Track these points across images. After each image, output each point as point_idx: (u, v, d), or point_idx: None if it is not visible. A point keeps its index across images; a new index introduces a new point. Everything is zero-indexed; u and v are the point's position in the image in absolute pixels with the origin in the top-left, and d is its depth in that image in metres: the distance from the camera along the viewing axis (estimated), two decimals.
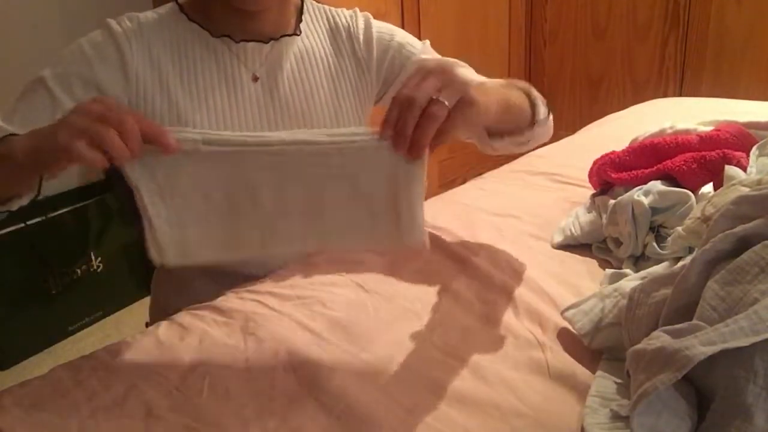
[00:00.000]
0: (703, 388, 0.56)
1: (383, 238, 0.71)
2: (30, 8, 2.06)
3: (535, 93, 0.91)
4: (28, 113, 0.85)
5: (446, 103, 0.65)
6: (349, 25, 1.05)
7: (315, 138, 0.67)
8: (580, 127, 1.73)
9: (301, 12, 1.02)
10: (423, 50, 1.06)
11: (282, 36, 0.97)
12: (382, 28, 1.07)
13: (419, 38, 1.09)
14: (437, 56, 1.08)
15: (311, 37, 1.02)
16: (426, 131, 0.65)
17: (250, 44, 0.95)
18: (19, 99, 0.87)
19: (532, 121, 0.89)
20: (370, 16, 1.08)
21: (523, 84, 0.90)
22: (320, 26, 1.04)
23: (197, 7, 0.96)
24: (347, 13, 1.06)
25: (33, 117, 0.84)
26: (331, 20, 1.05)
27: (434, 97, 0.65)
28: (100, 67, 0.89)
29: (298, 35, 1.00)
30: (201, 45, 0.94)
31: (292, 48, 0.99)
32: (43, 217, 1.92)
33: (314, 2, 1.06)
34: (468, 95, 0.68)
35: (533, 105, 0.89)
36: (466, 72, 0.78)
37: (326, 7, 1.06)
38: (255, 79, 0.97)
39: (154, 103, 0.92)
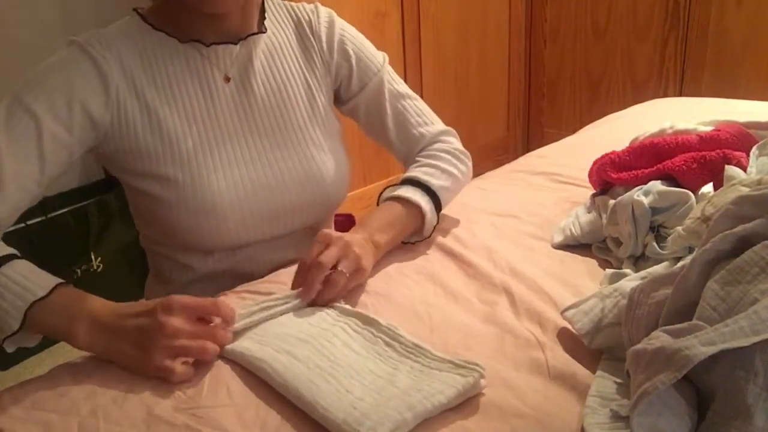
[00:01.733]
0: (703, 388, 0.56)
1: None
2: (30, 8, 2.06)
3: (422, 203, 0.97)
4: (11, 137, 0.81)
5: (345, 272, 0.82)
6: (310, 19, 1.05)
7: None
8: (580, 127, 1.72)
9: (263, 10, 1.02)
10: (383, 71, 1.08)
11: (249, 35, 0.97)
12: (346, 31, 1.07)
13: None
14: (393, 75, 1.10)
15: (277, 33, 1.03)
16: (328, 294, 0.82)
17: (221, 46, 0.95)
18: None
19: (423, 222, 0.98)
20: (334, 14, 1.08)
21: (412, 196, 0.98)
22: (284, 21, 1.04)
23: (161, 15, 0.95)
24: (308, 7, 1.06)
25: (17, 141, 0.82)
26: (294, 15, 1.05)
27: (336, 267, 0.82)
28: (81, 83, 0.87)
29: (264, 33, 1.00)
30: (170, 52, 0.94)
31: (260, 45, 1.00)
32: (43, 217, 1.92)
33: None
34: (361, 266, 0.85)
35: (422, 214, 0.98)
36: (358, 239, 0.88)
37: (287, 2, 1.06)
38: (227, 80, 0.97)
39: (134, 115, 0.91)
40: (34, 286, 0.74)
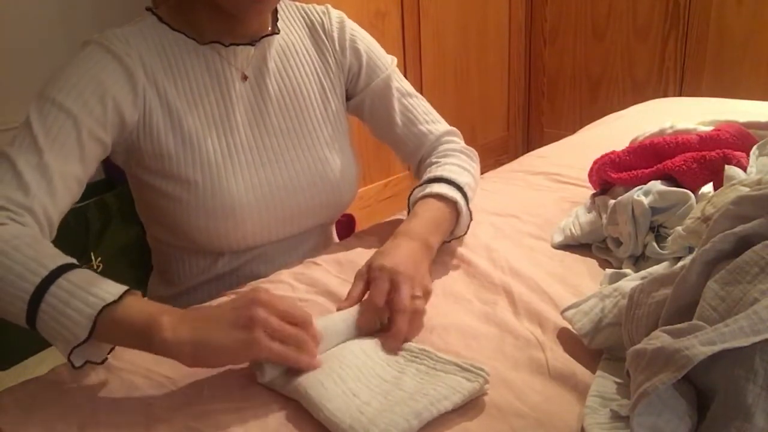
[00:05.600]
0: (703, 388, 0.56)
1: None
2: (30, 8, 2.06)
3: (458, 199, 0.96)
4: (50, 136, 0.79)
5: (422, 307, 0.79)
6: (322, 21, 1.06)
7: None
8: (580, 127, 1.73)
9: (275, 10, 1.02)
10: (391, 70, 1.08)
11: (264, 36, 0.97)
12: (356, 31, 1.08)
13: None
14: (401, 76, 1.10)
15: (290, 34, 1.03)
16: (417, 328, 0.79)
17: (239, 47, 0.95)
18: (30, 125, 0.80)
19: (458, 219, 0.97)
20: (344, 15, 1.08)
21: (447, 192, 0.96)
22: (296, 22, 1.05)
23: (178, 16, 0.94)
24: (319, 9, 1.07)
25: (56, 139, 0.80)
26: (305, 16, 1.06)
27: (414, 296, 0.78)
28: (110, 81, 0.85)
29: (278, 33, 1.00)
30: (189, 52, 0.93)
31: (274, 46, 1.00)
32: None
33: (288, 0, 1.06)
34: (428, 290, 0.82)
35: (458, 211, 0.96)
36: (411, 253, 0.85)
37: (298, 3, 1.06)
38: (244, 78, 0.96)
39: (157, 115, 0.90)
40: (103, 292, 0.67)
